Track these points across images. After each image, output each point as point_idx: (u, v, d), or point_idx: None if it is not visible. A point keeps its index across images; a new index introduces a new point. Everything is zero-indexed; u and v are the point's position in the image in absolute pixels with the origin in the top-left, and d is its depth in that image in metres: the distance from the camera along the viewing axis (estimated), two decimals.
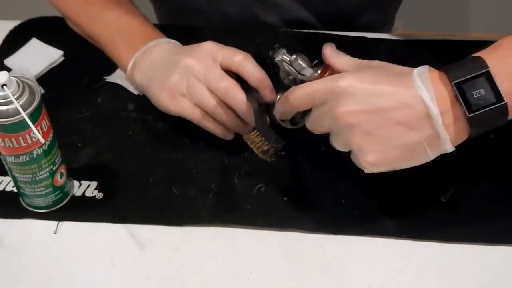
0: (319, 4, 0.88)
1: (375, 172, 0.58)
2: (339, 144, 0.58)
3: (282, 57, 0.64)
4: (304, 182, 0.68)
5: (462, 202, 0.66)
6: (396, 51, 0.83)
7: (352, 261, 0.63)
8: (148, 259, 0.63)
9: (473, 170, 0.69)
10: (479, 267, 0.62)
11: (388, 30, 1.01)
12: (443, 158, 0.70)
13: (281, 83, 0.65)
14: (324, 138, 0.72)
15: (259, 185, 0.68)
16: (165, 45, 0.73)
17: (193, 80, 0.66)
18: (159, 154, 0.71)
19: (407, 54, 0.82)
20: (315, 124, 0.59)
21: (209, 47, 0.68)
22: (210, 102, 0.66)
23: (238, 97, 0.65)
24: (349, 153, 0.59)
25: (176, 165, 0.70)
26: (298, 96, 0.58)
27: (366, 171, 0.58)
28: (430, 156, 0.56)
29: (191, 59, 0.67)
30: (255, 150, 0.65)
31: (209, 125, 0.69)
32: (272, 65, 0.66)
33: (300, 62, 0.63)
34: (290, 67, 0.63)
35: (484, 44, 0.57)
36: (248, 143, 0.65)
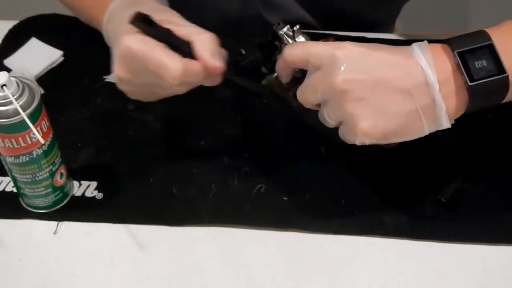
0: (321, 6, 0.88)
1: (367, 143, 0.55)
2: (330, 115, 0.56)
3: (285, 31, 0.65)
4: (304, 182, 0.68)
5: (462, 202, 0.66)
6: None
7: (352, 261, 0.63)
8: (148, 259, 0.63)
9: (472, 169, 0.69)
10: (479, 267, 0.62)
11: (390, 32, 1.01)
12: (443, 156, 0.71)
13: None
14: (325, 138, 0.72)
15: (259, 185, 0.68)
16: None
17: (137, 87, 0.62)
18: (159, 154, 0.71)
19: None
20: (306, 92, 0.57)
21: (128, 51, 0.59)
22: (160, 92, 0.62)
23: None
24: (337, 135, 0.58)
25: (176, 165, 0.70)
26: (293, 53, 0.57)
27: (358, 142, 0.55)
28: (425, 129, 0.55)
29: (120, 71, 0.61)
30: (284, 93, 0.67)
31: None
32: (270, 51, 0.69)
33: (301, 36, 0.65)
34: (293, 41, 0.65)
35: None
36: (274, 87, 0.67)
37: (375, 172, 0.70)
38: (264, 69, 0.74)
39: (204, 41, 0.58)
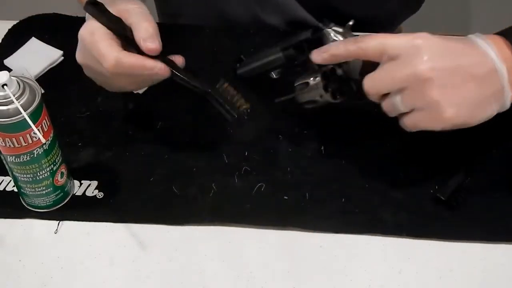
0: (319, 5, 0.88)
1: (446, 129, 0.58)
2: (406, 103, 0.57)
3: (335, 28, 0.64)
4: (304, 181, 0.68)
5: (461, 200, 0.66)
6: None
7: (352, 261, 0.63)
8: (148, 259, 0.63)
9: (472, 167, 0.69)
10: (479, 267, 0.62)
11: (392, 31, 1.01)
12: (442, 154, 0.71)
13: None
14: (324, 137, 0.72)
15: (259, 184, 0.68)
16: None
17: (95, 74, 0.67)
18: (159, 153, 0.71)
19: None
20: (382, 81, 0.58)
21: (82, 39, 0.64)
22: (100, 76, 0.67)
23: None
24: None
25: (176, 164, 0.70)
26: (367, 45, 0.58)
27: (440, 127, 0.58)
28: (494, 112, 0.58)
29: (80, 56, 0.66)
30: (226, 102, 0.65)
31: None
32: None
33: (352, 33, 0.64)
34: (343, 37, 0.64)
35: None
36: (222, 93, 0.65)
37: (375, 170, 0.70)
38: (273, 74, 0.73)
39: (142, 28, 0.63)
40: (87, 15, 0.65)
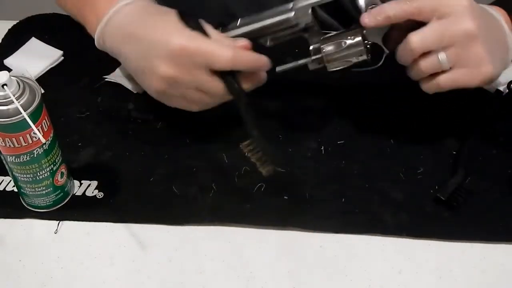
0: None
1: (478, 85, 0.62)
2: (451, 59, 0.61)
3: None
4: (304, 181, 0.68)
5: (461, 200, 0.66)
6: None
7: (352, 261, 0.63)
8: (148, 259, 0.63)
9: (472, 167, 0.69)
10: (479, 267, 0.62)
11: None
12: (442, 154, 0.71)
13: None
14: (324, 137, 0.72)
15: (259, 184, 0.68)
16: (120, 17, 0.66)
17: (182, 88, 0.63)
18: (159, 153, 0.71)
19: None
20: (431, 37, 0.61)
21: (175, 48, 0.61)
22: (205, 105, 0.65)
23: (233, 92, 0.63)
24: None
25: (176, 164, 0.70)
26: (425, 3, 0.62)
27: (476, 83, 0.62)
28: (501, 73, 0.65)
29: (170, 70, 0.61)
30: (252, 159, 0.63)
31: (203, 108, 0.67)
32: None
33: None
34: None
35: None
36: (245, 151, 0.63)
37: (375, 170, 0.70)
38: (267, 41, 0.68)
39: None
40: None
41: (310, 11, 0.64)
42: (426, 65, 0.62)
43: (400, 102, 0.75)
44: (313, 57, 0.66)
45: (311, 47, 0.66)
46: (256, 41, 0.67)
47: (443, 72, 0.62)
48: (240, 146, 0.63)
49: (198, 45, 0.60)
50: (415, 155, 0.71)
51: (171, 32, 0.61)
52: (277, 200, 0.67)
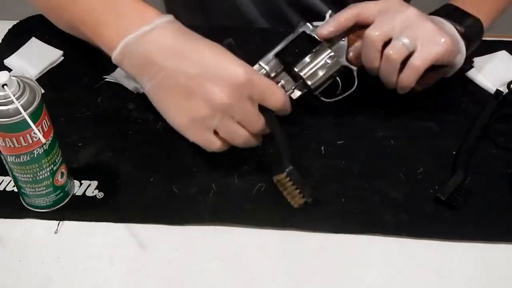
0: None
1: (443, 55, 0.68)
2: (410, 38, 0.67)
3: (315, 23, 0.72)
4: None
5: (461, 200, 0.66)
6: None
7: (352, 261, 0.63)
8: (148, 259, 0.63)
9: (472, 167, 0.69)
10: (479, 267, 0.62)
11: None
12: (443, 154, 0.71)
13: None
14: (324, 137, 0.72)
15: (260, 184, 0.68)
16: (165, 32, 0.62)
17: (226, 118, 0.61)
18: (159, 153, 0.71)
19: None
20: (385, 25, 0.68)
21: (241, 79, 0.60)
22: (241, 138, 0.64)
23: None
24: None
25: (176, 164, 0.70)
26: (368, 5, 0.70)
27: (441, 53, 0.67)
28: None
29: (222, 94, 0.59)
30: (284, 193, 0.65)
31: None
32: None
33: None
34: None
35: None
36: (278, 185, 0.65)
37: (375, 170, 0.70)
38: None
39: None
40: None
41: (273, 58, 0.70)
42: (393, 51, 0.67)
43: (400, 102, 0.75)
44: (296, 84, 0.71)
45: (286, 81, 0.71)
46: None
47: (412, 55, 0.67)
48: (273, 179, 0.65)
49: (260, 79, 0.61)
50: (415, 155, 0.71)
51: (232, 61, 0.60)
52: (277, 200, 0.66)
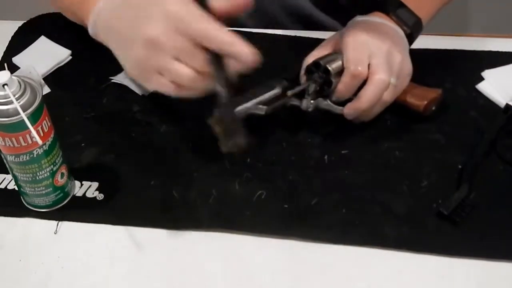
0: None
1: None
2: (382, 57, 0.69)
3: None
4: (305, 191, 0.68)
5: (464, 215, 0.65)
6: None
7: (352, 261, 0.62)
8: (148, 259, 0.62)
9: (477, 183, 0.68)
10: (479, 267, 0.62)
11: None
12: (446, 169, 0.70)
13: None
14: (328, 146, 0.71)
15: (260, 192, 0.67)
16: None
17: (162, 56, 0.57)
18: (161, 157, 0.71)
19: None
20: (361, 54, 0.69)
21: (172, 10, 0.56)
22: (184, 77, 0.58)
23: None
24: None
25: (177, 168, 0.70)
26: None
27: (396, 67, 0.70)
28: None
29: (158, 30, 0.56)
30: (220, 135, 0.59)
31: (184, 94, 0.61)
32: None
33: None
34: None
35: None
36: (214, 126, 0.59)
37: (377, 182, 0.69)
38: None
39: None
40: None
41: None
42: (389, 96, 0.70)
43: (406, 114, 0.74)
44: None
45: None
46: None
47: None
48: (213, 114, 0.59)
49: (201, 14, 0.56)
50: (419, 168, 0.70)
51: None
52: (277, 208, 0.66)
